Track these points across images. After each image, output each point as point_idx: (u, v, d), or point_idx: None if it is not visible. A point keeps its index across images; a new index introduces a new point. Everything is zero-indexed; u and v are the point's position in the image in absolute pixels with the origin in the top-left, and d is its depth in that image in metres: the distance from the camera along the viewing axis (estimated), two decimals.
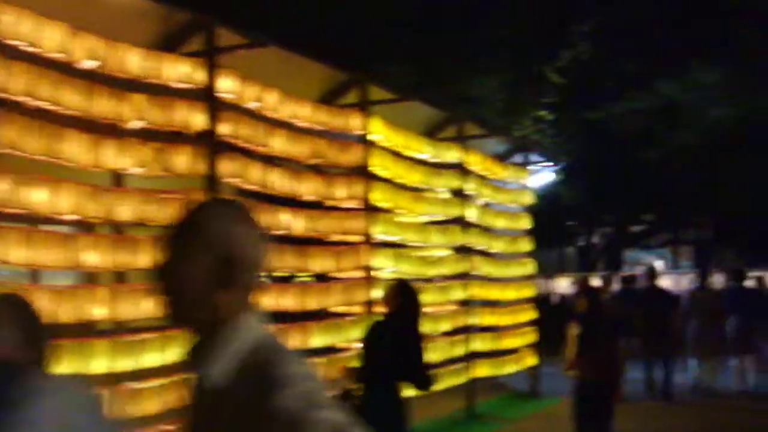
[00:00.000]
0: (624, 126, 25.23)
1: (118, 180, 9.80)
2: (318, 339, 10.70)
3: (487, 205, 15.53)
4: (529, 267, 16.62)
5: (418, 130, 13.87)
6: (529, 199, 16.83)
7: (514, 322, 15.98)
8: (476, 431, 13.47)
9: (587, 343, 9.21)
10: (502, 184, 16.34)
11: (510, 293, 15.96)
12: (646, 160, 25.15)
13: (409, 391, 7.74)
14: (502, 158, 16.93)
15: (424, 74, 21.74)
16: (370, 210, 11.83)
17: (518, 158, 17.36)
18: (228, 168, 9.27)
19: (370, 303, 11.73)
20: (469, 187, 14.53)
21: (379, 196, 11.93)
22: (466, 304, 14.37)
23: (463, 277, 14.30)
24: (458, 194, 14.28)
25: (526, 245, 16.59)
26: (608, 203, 28.97)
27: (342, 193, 11.29)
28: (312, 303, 10.64)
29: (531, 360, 16.33)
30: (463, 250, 14.33)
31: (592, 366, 9.13)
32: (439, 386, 13.06)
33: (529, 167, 17.26)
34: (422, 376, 7.61)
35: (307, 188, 10.63)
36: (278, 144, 10.14)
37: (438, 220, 14.02)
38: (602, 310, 9.85)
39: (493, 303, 15.58)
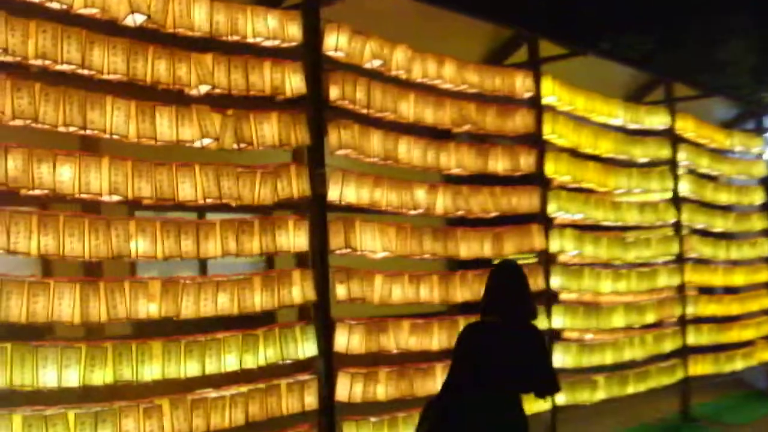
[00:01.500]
0: None
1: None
2: None
3: (706, 178, 13.51)
4: (764, 248, 14.45)
5: (618, 94, 12.18)
6: (763, 170, 14.65)
7: (744, 311, 13.87)
8: None
9: None
10: (728, 154, 14.28)
11: (738, 278, 13.86)
12: None
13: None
14: (730, 125, 14.86)
15: (661, 41, 19.84)
16: (544, 184, 10.28)
17: (751, 125, 15.22)
18: (337, 137, 8.03)
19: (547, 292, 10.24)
20: (682, 156, 12.64)
21: (554, 168, 10.35)
22: (681, 291, 12.51)
23: (677, 260, 12.45)
24: (667, 165, 12.43)
25: (759, 223, 14.42)
26: None
27: (504, 165, 9.79)
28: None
29: (766, 354, 14.19)
30: (676, 230, 12.47)
31: None
32: (650, 385, 11.52)
33: (765, 134, 15.06)
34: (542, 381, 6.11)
35: (451, 160, 9.21)
36: (409, 109, 8.79)
37: (642, 197, 12.27)
38: None
39: (713, 290, 13.58)
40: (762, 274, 14.41)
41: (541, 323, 9.90)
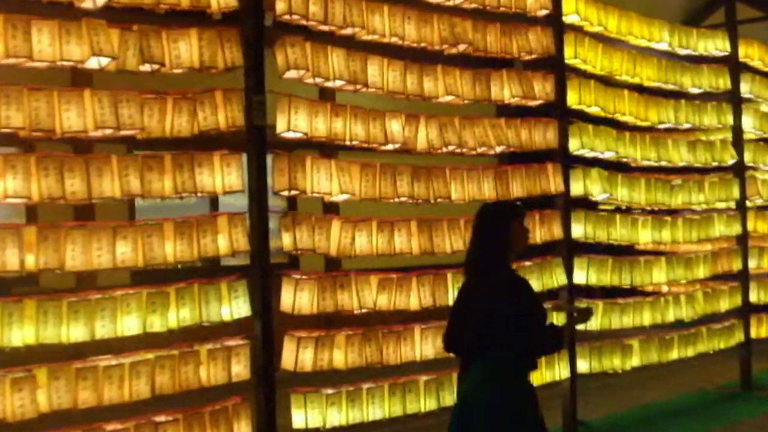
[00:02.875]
0: None
1: None
2: None
3: None
4: None
5: (673, 16, 10.60)
6: None
7: None
8: (752, 409, 10.10)
9: None
10: None
11: None
12: None
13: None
14: None
15: None
16: (565, 116, 8.82)
17: None
18: (284, 57, 6.73)
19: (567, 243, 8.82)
20: (745, 88, 10.97)
21: (578, 98, 8.87)
22: (742, 242, 10.91)
23: (738, 207, 10.86)
24: (727, 97, 10.78)
25: None
26: None
27: (514, 91, 8.36)
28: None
29: None
30: (737, 172, 10.84)
31: None
32: (700, 349, 10.07)
33: None
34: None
35: (439, 86, 7.82)
36: (383, 24, 7.43)
37: (694, 134, 10.70)
38: None
39: None
40: None
41: (559, 278, 8.64)
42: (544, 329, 5.13)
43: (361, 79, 7.28)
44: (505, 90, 8.32)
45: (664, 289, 10.71)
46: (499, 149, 8.24)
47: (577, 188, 8.87)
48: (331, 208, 9.83)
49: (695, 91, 10.34)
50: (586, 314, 5.71)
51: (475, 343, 5.00)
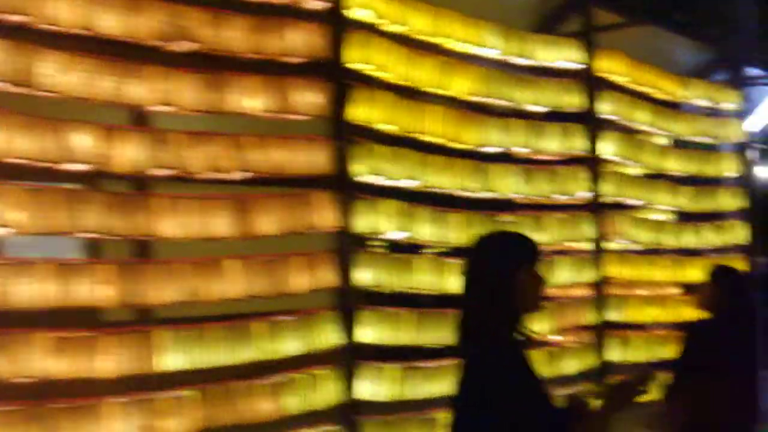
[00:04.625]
0: None
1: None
2: None
3: (646, 138, 10.06)
4: (738, 233, 10.94)
5: (523, 23, 8.91)
6: (738, 132, 11.12)
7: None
8: None
9: None
10: (686, 109, 10.80)
11: (692, 272, 10.29)
12: None
13: None
14: (702, 75, 11.39)
15: None
16: (339, 133, 7.07)
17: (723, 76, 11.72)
18: None
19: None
20: (606, 108, 9.23)
21: (363, 112, 7.14)
22: (597, 290, 9.15)
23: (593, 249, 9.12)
24: (580, 118, 9.05)
25: (730, 200, 10.88)
26: None
27: (265, 103, 6.61)
28: None
29: None
30: (591, 206, 9.08)
31: None
32: None
33: (742, 88, 11.52)
34: None
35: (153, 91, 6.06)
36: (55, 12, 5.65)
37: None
38: None
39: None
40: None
41: (331, 337, 6.89)
42: None
43: (24, 80, 5.52)
44: (256, 101, 6.57)
45: None
46: (239, 175, 6.47)
47: (362, 224, 7.10)
48: None
49: (536, 109, 8.58)
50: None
51: None
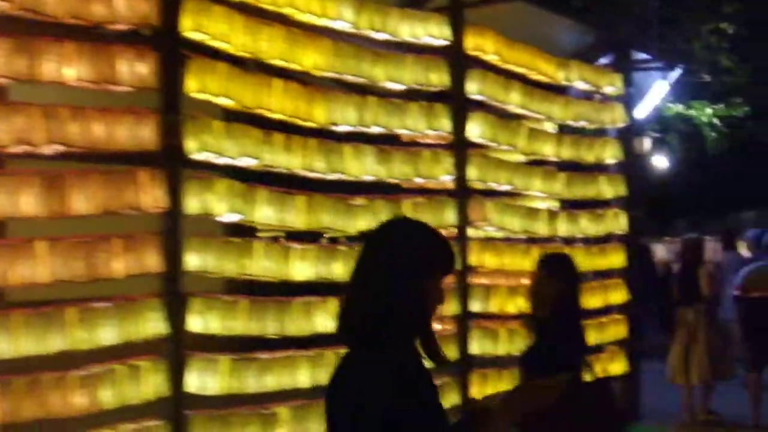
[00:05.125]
0: None
1: None
2: None
3: (528, 123, 9.66)
4: (618, 222, 10.63)
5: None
6: (621, 118, 10.79)
7: None
8: None
9: None
10: (567, 92, 10.45)
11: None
12: None
13: None
14: (586, 58, 11.04)
15: None
16: (170, 107, 6.56)
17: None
18: None
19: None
20: (474, 88, 8.81)
21: (196, 84, 6.63)
22: (460, 280, 8.72)
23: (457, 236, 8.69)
24: (446, 98, 8.62)
25: (610, 188, 10.55)
26: None
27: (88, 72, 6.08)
28: None
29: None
30: (456, 191, 8.65)
31: None
32: None
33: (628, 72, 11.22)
34: None
35: None
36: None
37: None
38: None
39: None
40: (612, 257, 10.57)
41: (154, 326, 6.39)
42: None
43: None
44: (75, 69, 6.04)
45: None
46: (51, 149, 5.95)
47: (194, 205, 6.60)
48: None
49: (397, 87, 8.13)
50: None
51: None
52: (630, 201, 10.83)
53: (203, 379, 6.63)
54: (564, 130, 10.50)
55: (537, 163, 9.88)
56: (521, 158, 9.71)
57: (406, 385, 3.01)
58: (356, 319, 3.14)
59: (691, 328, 11.51)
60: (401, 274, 3.09)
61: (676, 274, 12.74)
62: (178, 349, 6.55)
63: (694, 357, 11.48)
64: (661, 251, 20.23)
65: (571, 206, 10.37)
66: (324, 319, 7.25)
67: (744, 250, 13.60)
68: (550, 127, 10.38)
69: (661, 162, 21.28)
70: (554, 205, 10.41)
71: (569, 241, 10.40)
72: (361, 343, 3.13)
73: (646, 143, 18.20)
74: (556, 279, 5.95)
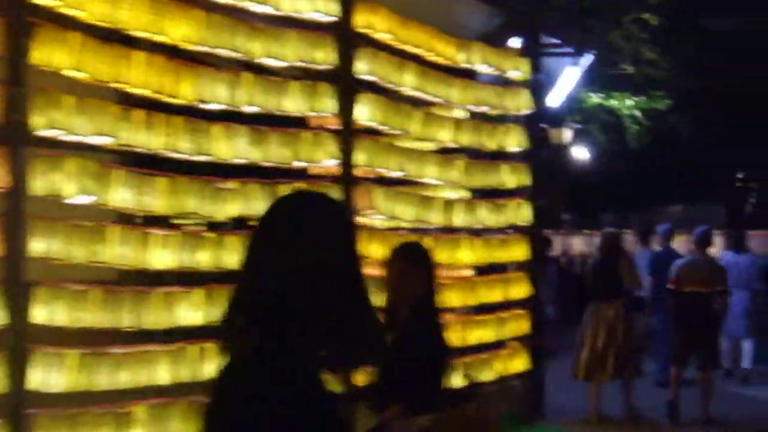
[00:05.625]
0: None
1: None
2: None
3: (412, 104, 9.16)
4: (520, 213, 10.21)
5: None
6: (527, 104, 10.34)
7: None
8: None
9: None
10: (469, 76, 9.98)
11: (466, 254, 9.57)
12: None
13: None
14: (493, 40, 10.58)
15: None
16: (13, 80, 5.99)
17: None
18: None
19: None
20: (364, 67, 8.32)
21: (46, 56, 6.06)
22: None
23: None
24: (332, 77, 8.11)
25: (512, 177, 10.11)
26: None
27: None
28: None
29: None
30: (340, 177, 8.16)
31: None
32: None
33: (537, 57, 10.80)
34: None
35: None
36: None
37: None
38: None
39: None
40: (513, 250, 10.15)
41: None
42: None
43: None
44: None
45: None
46: None
47: (40, 185, 6.06)
48: None
49: (277, 63, 7.62)
50: None
51: None
52: (535, 191, 10.38)
53: (47, 375, 6.10)
54: (476, 117, 10.05)
55: (449, 152, 9.43)
56: (429, 146, 9.25)
57: (309, 401, 2.44)
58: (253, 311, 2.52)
59: (611, 324, 11.10)
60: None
61: (593, 267, 12.30)
62: (19, 342, 6.01)
63: (610, 354, 11.09)
64: (579, 244, 19.98)
65: (483, 195, 9.94)
66: (186, 312, 6.73)
67: (656, 245, 13.32)
68: (460, 113, 9.92)
69: (582, 153, 20.98)
70: (465, 195, 9.96)
71: (471, 231, 9.93)
72: (258, 339, 2.51)
73: (567, 134, 17.86)
74: (421, 273, 5.36)
